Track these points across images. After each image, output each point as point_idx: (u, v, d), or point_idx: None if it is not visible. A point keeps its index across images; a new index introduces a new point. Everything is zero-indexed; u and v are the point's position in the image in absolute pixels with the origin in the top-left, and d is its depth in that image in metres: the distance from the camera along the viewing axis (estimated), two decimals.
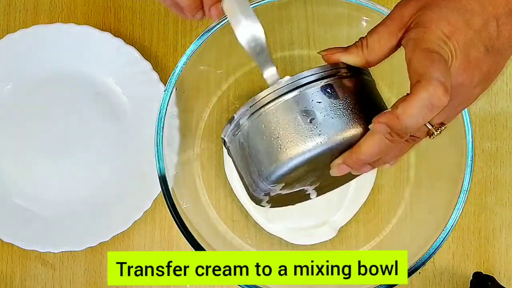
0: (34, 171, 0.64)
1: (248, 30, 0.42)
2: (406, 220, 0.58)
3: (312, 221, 0.62)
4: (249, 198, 0.45)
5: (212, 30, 0.52)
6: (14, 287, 0.64)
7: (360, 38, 0.41)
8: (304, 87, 0.40)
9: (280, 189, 0.42)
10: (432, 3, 0.38)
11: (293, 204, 0.49)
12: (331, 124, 0.39)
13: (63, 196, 0.64)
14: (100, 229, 0.61)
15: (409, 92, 0.36)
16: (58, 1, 0.67)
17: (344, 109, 0.40)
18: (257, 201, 0.45)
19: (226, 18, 0.52)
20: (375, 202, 0.62)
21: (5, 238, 0.61)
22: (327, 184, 0.47)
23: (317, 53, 0.43)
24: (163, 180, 0.51)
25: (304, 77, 0.40)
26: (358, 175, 0.44)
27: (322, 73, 0.40)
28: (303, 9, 0.58)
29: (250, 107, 0.41)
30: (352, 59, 0.41)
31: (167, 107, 0.52)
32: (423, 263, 0.50)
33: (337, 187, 0.49)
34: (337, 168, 0.41)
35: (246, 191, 0.45)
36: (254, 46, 0.43)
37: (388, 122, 0.36)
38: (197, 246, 0.50)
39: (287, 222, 0.62)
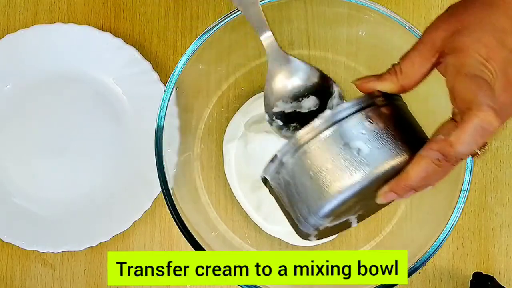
0: (34, 171, 0.64)
1: None
2: (406, 220, 0.58)
3: None
4: (295, 233, 0.45)
5: (212, 30, 0.52)
6: (14, 287, 0.64)
7: (393, 65, 0.41)
8: (346, 119, 0.40)
9: (329, 222, 0.43)
10: (463, 27, 0.38)
11: (335, 234, 0.49)
12: (377, 154, 0.40)
13: (63, 196, 0.64)
14: (100, 229, 0.61)
15: (451, 117, 0.38)
16: (58, 1, 0.67)
17: (388, 137, 0.40)
18: (305, 236, 0.45)
19: (226, 18, 0.53)
20: None
21: (5, 238, 0.61)
22: (367, 211, 0.47)
23: (351, 82, 0.43)
24: (163, 180, 0.51)
25: (344, 110, 0.40)
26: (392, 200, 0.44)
27: (361, 104, 0.41)
28: (303, 9, 0.58)
29: (292, 144, 0.41)
30: (387, 86, 0.41)
31: (167, 107, 0.52)
32: (423, 263, 0.50)
33: (375, 212, 0.49)
34: (383, 196, 0.41)
35: (293, 227, 0.45)
36: (248, 6, 0.43)
37: (441, 150, 0.37)
38: (197, 246, 0.50)
39: (287, 225, 0.62)
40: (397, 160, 0.40)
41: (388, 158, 0.40)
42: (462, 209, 0.50)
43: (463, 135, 0.36)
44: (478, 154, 0.41)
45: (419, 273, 0.63)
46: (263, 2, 0.53)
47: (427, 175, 0.39)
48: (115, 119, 0.64)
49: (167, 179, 0.51)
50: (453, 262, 0.63)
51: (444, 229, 0.50)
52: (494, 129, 0.35)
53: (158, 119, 0.52)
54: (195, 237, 0.51)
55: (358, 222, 0.47)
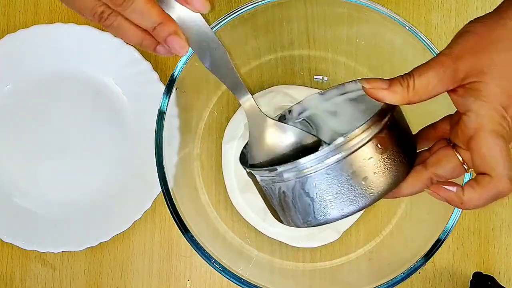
0: (34, 171, 0.64)
1: (210, 49, 0.43)
2: (406, 220, 0.58)
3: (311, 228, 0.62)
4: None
5: (212, 30, 0.52)
6: (14, 287, 0.64)
7: (406, 76, 0.40)
8: (355, 146, 0.40)
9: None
10: (491, 69, 0.38)
11: None
12: (382, 181, 0.40)
13: (63, 196, 0.64)
14: (100, 229, 0.61)
15: (454, 142, 0.40)
16: (58, 1, 0.67)
17: (393, 161, 0.41)
18: (284, 225, 0.45)
19: (226, 18, 0.53)
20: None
21: (5, 238, 0.61)
22: None
23: (358, 81, 0.43)
24: (163, 180, 0.51)
25: (357, 137, 0.40)
26: None
27: (373, 131, 0.40)
28: (303, 9, 0.58)
29: (299, 165, 0.40)
30: (396, 99, 0.40)
31: (167, 107, 0.52)
32: (423, 263, 0.50)
33: None
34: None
35: (275, 217, 0.45)
36: (220, 67, 0.43)
37: (449, 201, 0.39)
38: (197, 246, 0.50)
39: (287, 229, 0.62)
40: (397, 181, 0.41)
41: (391, 183, 0.41)
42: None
43: (477, 200, 0.38)
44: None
45: (419, 273, 0.63)
46: (263, 2, 0.53)
47: (418, 192, 0.42)
48: (115, 119, 0.64)
49: (167, 179, 0.51)
50: (453, 262, 0.63)
51: (444, 229, 0.50)
52: (505, 196, 0.37)
53: (158, 119, 0.52)
54: (195, 237, 0.51)
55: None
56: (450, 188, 0.39)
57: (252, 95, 0.45)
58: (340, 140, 0.39)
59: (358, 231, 0.62)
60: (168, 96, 0.52)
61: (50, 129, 0.64)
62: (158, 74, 0.63)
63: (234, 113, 0.63)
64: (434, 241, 0.50)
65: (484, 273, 0.62)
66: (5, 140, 0.64)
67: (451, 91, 0.40)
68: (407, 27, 0.52)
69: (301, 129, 0.47)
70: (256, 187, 0.45)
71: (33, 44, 0.63)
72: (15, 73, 0.64)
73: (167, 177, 0.51)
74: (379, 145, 0.40)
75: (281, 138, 0.47)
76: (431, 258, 0.50)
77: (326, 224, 0.42)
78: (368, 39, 0.58)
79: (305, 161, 0.40)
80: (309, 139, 0.47)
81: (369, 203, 0.41)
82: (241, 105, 0.46)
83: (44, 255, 0.64)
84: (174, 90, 0.52)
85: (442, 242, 0.50)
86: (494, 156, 0.37)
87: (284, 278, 0.60)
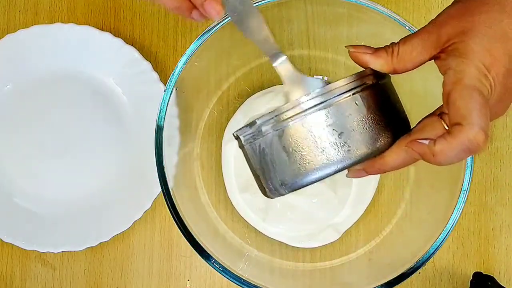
0: (34, 171, 0.64)
1: (245, 14, 0.43)
2: (406, 220, 0.58)
3: (312, 227, 0.62)
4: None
5: (212, 30, 0.52)
6: (14, 287, 0.64)
7: (391, 43, 0.40)
8: (334, 100, 0.39)
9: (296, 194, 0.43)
10: (473, 29, 0.37)
11: None
12: (360, 138, 0.39)
13: (63, 196, 0.64)
14: (100, 229, 0.61)
15: (438, 113, 0.38)
16: (58, 1, 0.67)
17: (372, 121, 0.40)
18: (268, 196, 0.45)
19: (226, 18, 0.53)
20: (375, 202, 0.62)
21: (5, 238, 0.61)
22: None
23: (345, 47, 0.42)
24: (163, 180, 0.51)
25: (333, 89, 0.40)
26: None
27: (350, 85, 0.40)
28: (303, 9, 0.58)
29: (275, 116, 0.40)
30: (379, 64, 0.40)
31: (167, 107, 0.52)
32: (423, 263, 0.50)
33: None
34: (355, 173, 0.42)
35: (259, 186, 0.45)
36: (255, 31, 0.43)
37: (423, 155, 0.37)
38: (197, 246, 0.50)
39: (287, 229, 0.62)
40: (377, 145, 0.40)
41: (370, 144, 0.40)
42: (462, 209, 0.50)
43: (448, 149, 0.36)
44: None
45: (419, 273, 0.63)
46: (263, 2, 0.53)
47: (403, 164, 0.40)
48: (115, 119, 0.64)
49: (167, 179, 0.51)
50: (453, 262, 0.63)
51: (444, 229, 0.50)
52: (480, 150, 0.35)
53: (158, 119, 0.52)
54: (195, 237, 0.51)
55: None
56: (424, 141, 0.37)
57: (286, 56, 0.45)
58: (317, 90, 0.39)
59: (358, 231, 0.62)
60: (168, 96, 0.52)
61: (50, 129, 0.64)
62: (158, 74, 0.63)
63: (234, 113, 0.63)
64: (434, 241, 0.50)
65: (484, 273, 0.62)
66: (5, 140, 0.64)
67: (436, 59, 0.39)
68: (407, 27, 0.52)
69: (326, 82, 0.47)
70: (245, 158, 0.45)
71: (33, 44, 0.63)
72: (15, 73, 0.64)
73: (167, 177, 0.51)
74: (357, 103, 0.40)
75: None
76: (431, 258, 0.50)
77: (302, 186, 0.41)
78: (368, 39, 0.58)
79: (282, 111, 0.40)
80: None
81: (345, 161, 0.39)
82: (276, 69, 0.45)
83: (44, 255, 0.64)
84: (174, 90, 0.52)
85: (442, 242, 0.50)
86: (468, 107, 0.35)
87: (284, 278, 0.60)
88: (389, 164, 0.40)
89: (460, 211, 0.50)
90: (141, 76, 0.63)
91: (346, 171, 0.43)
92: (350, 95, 0.40)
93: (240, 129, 0.43)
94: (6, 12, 0.67)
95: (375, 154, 0.40)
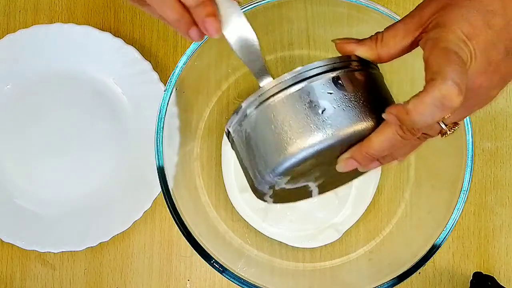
0: (34, 171, 0.64)
1: (241, 34, 0.42)
2: (406, 220, 0.58)
3: (313, 227, 0.62)
4: (252, 193, 0.45)
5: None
6: (14, 287, 0.64)
7: (376, 32, 0.40)
8: (315, 78, 0.40)
9: (286, 183, 0.42)
10: (452, 3, 0.38)
11: (294, 201, 0.48)
12: (342, 116, 0.39)
13: (63, 196, 0.64)
14: (100, 229, 0.61)
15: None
16: (58, 1, 0.67)
17: (355, 101, 0.39)
18: (261, 195, 0.44)
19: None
20: (375, 202, 0.62)
21: (5, 238, 0.61)
22: (330, 182, 0.46)
23: (331, 40, 0.42)
24: (163, 180, 0.51)
25: (315, 68, 0.40)
26: (363, 173, 0.44)
27: (333, 64, 0.40)
28: (303, 9, 0.58)
29: (258, 96, 0.40)
30: (364, 51, 0.40)
31: (167, 107, 0.52)
32: (423, 263, 0.50)
33: (339, 186, 0.48)
34: (344, 163, 0.41)
35: (250, 185, 0.44)
36: (248, 52, 0.43)
37: (398, 115, 0.36)
38: (197, 246, 0.50)
39: (287, 229, 0.62)
40: (361, 125, 0.39)
41: (352, 122, 0.39)
42: (462, 209, 0.50)
43: (420, 105, 0.34)
44: (447, 133, 0.39)
45: (419, 273, 0.63)
46: (263, 2, 0.53)
47: (391, 146, 0.38)
48: (115, 119, 0.64)
49: (167, 179, 0.51)
50: (453, 262, 0.63)
51: (444, 229, 0.50)
52: (454, 106, 0.34)
53: (158, 119, 0.52)
54: (195, 237, 0.51)
55: (319, 193, 0.46)
56: (399, 103, 0.36)
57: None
58: (299, 68, 0.40)
59: (358, 231, 0.62)
60: (168, 96, 0.52)
61: (50, 129, 0.64)
62: (158, 74, 0.63)
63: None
64: (434, 241, 0.50)
65: (484, 273, 0.62)
66: (5, 140, 0.64)
67: (420, 42, 0.39)
68: None
69: None
70: (236, 154, 0.44)
71: (33, 44, 0.63)
72: (15, 73, 0.64)
73: (167, 177, 0.51)
74: (341, 82, 0.40)
75: None
76: (431, 258, 0.50)
77: (287, 168, 0.40)
78: None
79: (265, 89, 0.40)
80: None
81: (328, 139, 0.39)
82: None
83: (44, 255, 0.64)
84: (174, 90, 0.52)
85: (442, 242, 0.50)
86: (441, 63, 0.35)
87: (284, 278, 0.60)
88: (375, 145, 0.39)
89: (460, 211, 0.50)
90: (141, 76, 0.63)
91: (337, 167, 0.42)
92: (331, 74, 0.40)
93: (229, 120, 0.43)
94: (6, 12, 0.67)
95: (360, 135, 0.39)
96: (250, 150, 0.42)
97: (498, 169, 0.64)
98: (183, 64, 0.52)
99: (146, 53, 0.65)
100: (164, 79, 0.63)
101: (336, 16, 0.57)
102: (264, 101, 0.40)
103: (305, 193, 0.46)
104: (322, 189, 0.47)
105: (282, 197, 0.45)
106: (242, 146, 0.42)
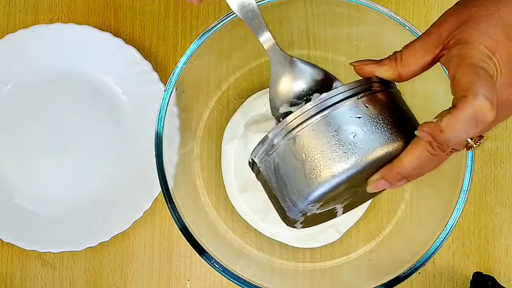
0: (34, 171, 0.64)
1: None
2: (406, 220, 0.58)
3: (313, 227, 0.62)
4: (281, 220, 0.44)
5: (212, 30, 0.52)
6: (14, 287, 0.64)
7: (395, 52, 0.40)
8: (341, 103, 0.40)
9: (317, 208, 0.42)
10: (470, 19, 0.38)
11: (321, 223, 0.48)
12: (372, 139, 0.39)
13: (63, 196, 0.64)
14: (100, 229, 0.61)
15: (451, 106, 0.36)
16: (58, 1, 0.67)
17: (384, 123, 0.40)
18: (291, 223, 0.44)
19: (226, 18, 0.53)
20: (375, 202, 0.62)
21: (5, 238, 0.61)
22: (354, 201, 0.46)
23: (349, 64, 0.43)
24: (163, 180, 0.51)
25: (341, 93, 0.40)
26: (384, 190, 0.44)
27: (357, 88, 0.40)
28: (303, 9, 0.58)
29: (286, 125, 0.40)
30: (384, 72, 0.40)
31: (167, 107, 0.52)
32: (423, 263, 0.50)
33: (361, 204, 0.48)
34: (374, 184, 0.41)
35: (279, 213, 0.44)
36: (246, 11, 0.44)
37: (431, 133, 0.36)
38: (197, 246, 0.50)
39: (287, 229, 0.61)
40: (392, 146, 0.39)
41: (383, 144, 0.39)
42: (462, 209, 0.50)
43: (454, 122, 0.34)
44: (473, 147, 0.40)
45: (419, 273, 0.63)
46: (263, 2, 0.53)
47: (421, 163, 0.39)
48: (115, 119, 0.64)
49: (167, 179, 0.51)
50: (453, 262, 0.63)
51: (444, 229, 0.50)
52: (487, 121, 0.34)
53: (158, 119, 0.52)
54: (195, 237, 0.51)
55: (344, 212, 0.46)
56: (432, 120, 0.36)
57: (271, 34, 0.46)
58: (323, 95, 0.40)
59: (358, 231, 0.62)
60: (168, 96, 0.52)
61: (50, 129, 0.64)
62: (158, 74, 0.63)
63: (234, 113, 0.63)
64: (434, 241, 0.50)
65: (484, 273, 0.62)
66: (5, 140, 0.64)
67: (440, 59, 0.39)
68: (407, 27, 0.52)
69: (319, 68, 0.47)
70: (262, 184, 0.44)
71: (33, 44, 0.63)
72: (15, 73, 0.64)
73: (167, 177, 0.51)
74: (367, 105, 0.40)
75: (302, 76, 0.47)
76: (431, 258, 0.50)
77: (319, 195, 0.40)
78: (368, 39, 0.58)
79: (291, 119, 0.40)
80: (327, 79, 0.47)
81: (360, 163, 0.39)
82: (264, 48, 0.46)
83: (44, 255, 0.64)
84: (174, 90, 0.52)
85: (442, 242, 0.50)
86: (471, 79, 0.35)
87: (284, 278, 0.60)
88: (406, 165, 0.39)
89: (460, 211, 0.50)
90: (141, 76, 0.63)
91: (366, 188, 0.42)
92: (357, 98, 0.40)
93: (253, 151, 0.43)
94: (6, 12, 0.67)
95: (390, 156, 0.40)
96: (280, 180, 0.41)
97: (498, 169, 0.64)
98: (183, 64, 0.52)
99: (146, 53, 0.65)
100: (164, 79, 0.63)
101: (336, 16, 0.57)
102: (292, 130, 0.40)
103: (331, 215, 0.46)
104: (347, 209, 0.47)
105: (311, 221, 0.45)
106: (271, 176, 0.42)
